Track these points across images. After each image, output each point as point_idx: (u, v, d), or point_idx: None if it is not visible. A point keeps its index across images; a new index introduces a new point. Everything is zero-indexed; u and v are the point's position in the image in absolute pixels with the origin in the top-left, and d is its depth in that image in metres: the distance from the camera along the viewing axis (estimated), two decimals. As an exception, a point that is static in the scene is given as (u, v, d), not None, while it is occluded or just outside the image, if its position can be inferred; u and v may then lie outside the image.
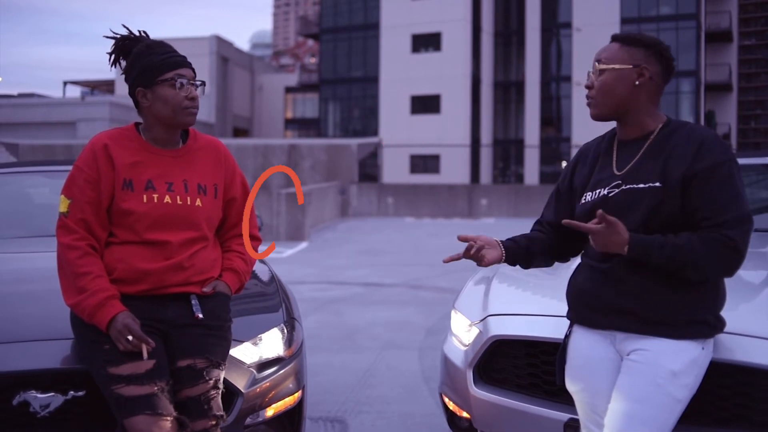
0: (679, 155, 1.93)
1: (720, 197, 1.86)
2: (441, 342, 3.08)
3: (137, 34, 2.27)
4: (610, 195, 2.00)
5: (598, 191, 2.04)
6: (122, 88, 41.69)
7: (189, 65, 2.20)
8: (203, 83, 2.22)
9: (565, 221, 1.96)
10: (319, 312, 7.10)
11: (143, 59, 2.15)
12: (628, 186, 1.97)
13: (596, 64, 2.02)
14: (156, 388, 2.01)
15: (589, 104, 2.05)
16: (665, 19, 34.53)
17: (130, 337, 1.99)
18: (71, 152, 24.86)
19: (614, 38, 2.05)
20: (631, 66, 1.98)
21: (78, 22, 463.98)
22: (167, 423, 1.98)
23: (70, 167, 3.64)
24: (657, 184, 1.92)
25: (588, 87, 2.05)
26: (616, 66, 1.98)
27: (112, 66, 2.24)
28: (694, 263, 1.85)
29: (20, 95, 42.47)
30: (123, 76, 2.21)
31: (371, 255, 12.20)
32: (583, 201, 2.08)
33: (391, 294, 8.27)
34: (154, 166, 2.17)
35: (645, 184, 1.94)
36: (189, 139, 2.28)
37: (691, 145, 1.92)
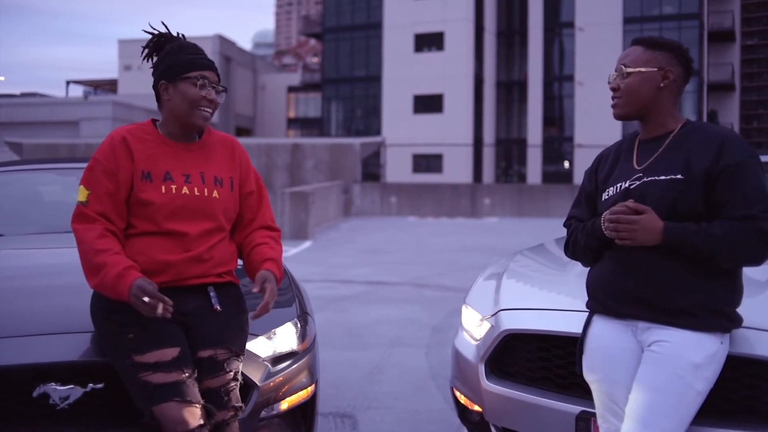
0: (701, 151, 1.99)
1: (750, 191, 1.93)
2: (448, 339, 3.11)
3: (174, 34, 2.35)
4: (632, 187, 2.06)
5: (619, 185, 2.10)
6: (125, 88, 41.79)
7: (215, 69, 2.27)
8: (225, 89, 2.29)
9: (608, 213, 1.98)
10: (324, 310, 7.12)
11: (173, 56, 2.24)
12: (649, 178, 2.04)
13: (622, 67, 2.10)
14: (184, 375, 2.04)
15: (614, 105, 2.13)
16: (668, 19, 34.53)
17: (146, 299, 1.95)
18: (74, 151, 24.95)
19: (637, 42, 2.14)
20: (656, 69, 2.07)
21: (78, 22, 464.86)
22: (197, 410, 2.01)
23: (80, 165, 3.70)
24: (678, 176, 1.99)
25: (614, 89, 2.12)
26: (642, 69, 2.07)
27: (144, 60, 2.32)
28: (729, 251, 1.92)
29: (23, 95, 42.61)
30: (151, 69, 2.29)
31: (375, 254, 12.23)
32: (605, 197, 2.14)
33: (395, 292, 8.30)
34: (171, 159, 2.22)
35: (666, 176, 2.01)
36: (204, 133, 2.34)
37: (713, 143, 2.00)
